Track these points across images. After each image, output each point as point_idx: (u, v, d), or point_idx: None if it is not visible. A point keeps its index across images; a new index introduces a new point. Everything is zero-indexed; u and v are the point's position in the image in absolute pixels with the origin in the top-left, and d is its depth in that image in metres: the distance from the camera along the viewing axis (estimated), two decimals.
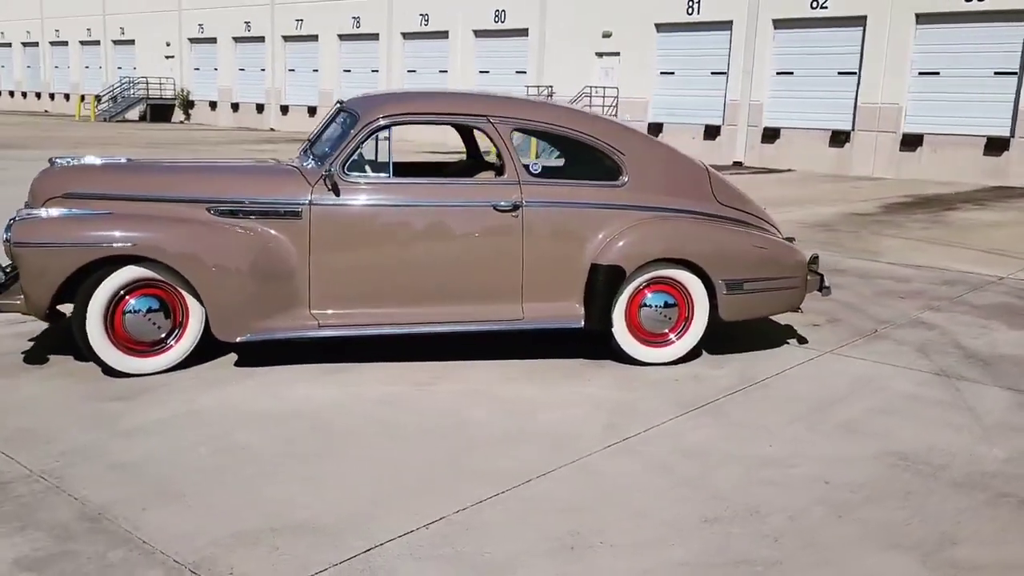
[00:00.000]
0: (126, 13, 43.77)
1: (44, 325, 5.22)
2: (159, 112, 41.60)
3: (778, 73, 24.40)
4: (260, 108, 38.31)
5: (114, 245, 4.46)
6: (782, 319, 6.43)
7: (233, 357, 5.00)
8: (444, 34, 31.81)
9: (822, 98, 23.43)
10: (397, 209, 4.85)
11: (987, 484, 3.72)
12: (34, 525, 3.04)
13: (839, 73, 23.23)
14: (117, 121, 39.27)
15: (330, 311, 4.81)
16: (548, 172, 5.18)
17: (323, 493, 3.38)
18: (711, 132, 25.59)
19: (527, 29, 29.36)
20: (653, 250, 5.04)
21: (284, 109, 37.38)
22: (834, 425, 4.37)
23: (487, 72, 30.91)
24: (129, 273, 4.53)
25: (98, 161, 5.18)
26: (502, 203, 4.90)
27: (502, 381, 4.83)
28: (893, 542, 3.18)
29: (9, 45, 51.64)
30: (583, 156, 5.20)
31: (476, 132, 5.17)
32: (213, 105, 40.33)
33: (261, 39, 37.87)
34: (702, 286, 5.17)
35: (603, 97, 27.07)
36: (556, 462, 3.76)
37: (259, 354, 4.99)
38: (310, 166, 4.91)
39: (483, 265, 4.94)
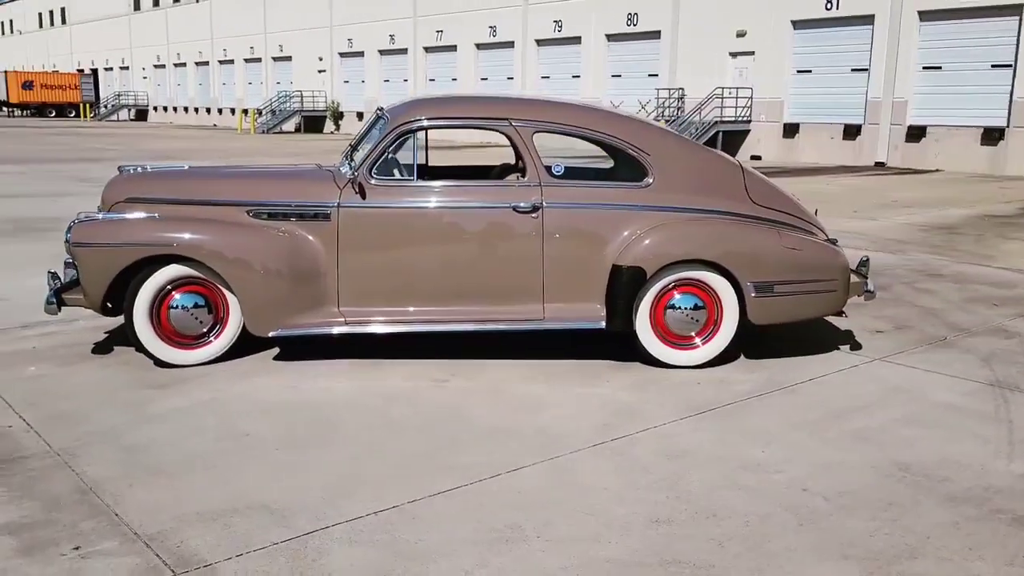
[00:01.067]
0: (284, 31, 46.41)
1: (120, 320, 5.72)
2: (312, 123, 43.87)
3: (924, 68, 23.11)
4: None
5: (156, 245, 4.85)
6: (842, 324, 6.19)
7: (275, 351, 5.31)
8: (577, 39, 31.99)
9: (973, 93, 22.03)
10: (420, 211, 5.02)
11: (986, 499, 3.49)
12: (32, 496, 3.39)
13: (992, 66, 21.77)
14: (274, 133, 41.69)
15: (356, 309, 5.04)
16: (571, 174, 5.22)
17: (296, 478, 3.58)
18: (851, 132, 24.54)
19: (659, 31, 29.10)
20: (675, 251, 4.98)
21: None
22: (844, 432, 4.19)
23: (619, 76, 30.87)
24: (172, 272, 4.91)
25: (160, 168, 5.63)
26: (522, 204, 4.98)
27: (517, 380, 4.91)
28: (846, 553, 3.06)
29: (184, 65, 55.75)
30: (609, 157, 5.21)
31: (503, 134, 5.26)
32: (360, 116, 42.02)
33: (404, 51, 39.27)
34: (731, 288, 5.06)
35: (736, 98, 26.49)
36: (532, 459, 3.81)
37: (299, 350, 5.28)
38: (344, 170, 5.15)
39: (504, 266, 5.03)
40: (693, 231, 5.05)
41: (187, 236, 4.90)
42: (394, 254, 5.03)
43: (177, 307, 4.97)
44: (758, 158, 26.21)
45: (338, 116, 43.13)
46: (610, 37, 31.03)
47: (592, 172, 5.44)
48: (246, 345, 5.17)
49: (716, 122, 26.07)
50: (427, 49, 38.43)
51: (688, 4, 28.16)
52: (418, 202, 5.02)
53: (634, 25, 30.02)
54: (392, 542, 3.07)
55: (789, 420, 4.35)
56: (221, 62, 52.29)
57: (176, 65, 56.56)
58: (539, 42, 33.65)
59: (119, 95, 61.05)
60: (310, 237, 5.02)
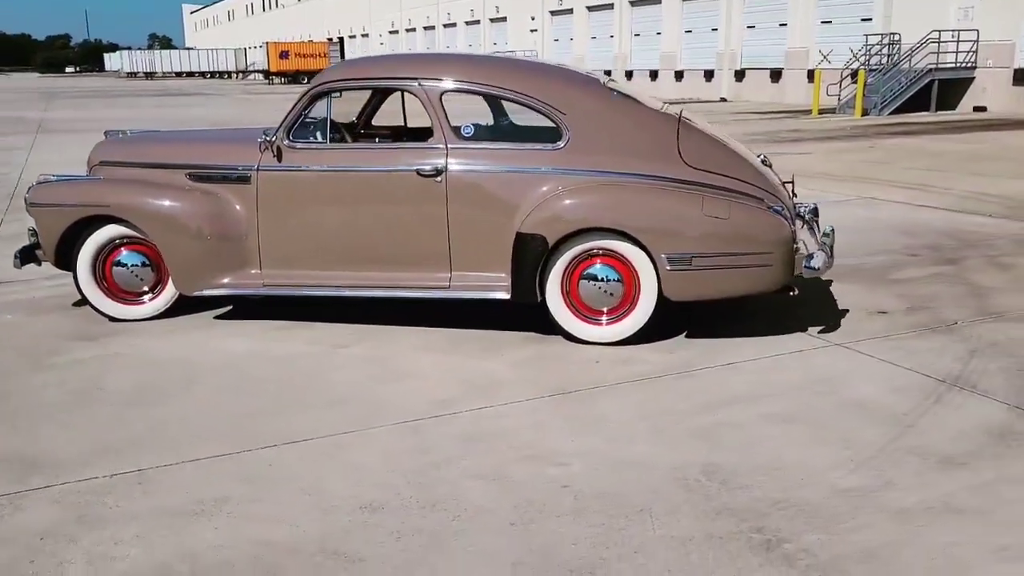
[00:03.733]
0: None
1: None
2: None
3: None
4: (608, 75, 39.13)
5: (93, 206, 5.18)
6: (846, 301, 5.51)
7: (224, 310, 5.52)
8: None
9: None
10: (329, 174, 4.97)
11: (762, 515, 2.97)
12: None
13: None
14: None
15: (275, 271, 5.11)
16: (483, 135, 4.94)
17: (88, 434, 3.72)
18: None
19: None
20: (577, 218, 4.60)
21: (629, 75, 37.85)
22: (690, 426, 3.71)
23: (829, 22, 28.56)
24: (110, 231, 5.23)
25: (136, 134, 5.98)
26: (426, 168, 4.80)
27: (413, 349, 4.78)
28: (520, 560, 2.73)
29: (414, 31, 58.34)
30: (508, 116, 4.88)
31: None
32: None
33: (611, 6, 38.60)
34: (648, 260, 4.61)
35: (956, 41, 23.64)
36: (332, 431, 3.71)
37: (250, 310, 5.44)
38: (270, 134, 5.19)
39: (410, 231, 4.88)
40: (598, 197, 4.63)
41: (120, 198, 5.18)
42: (306, 217, 5.03)
43: (120, 264, 5.30)
44: (982, 109, 23.36)
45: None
46: None
47: (507, 133, 5.11)
48: (208, 303, 5.41)
49: (930, 69, 23.44)
50: (632, 3, 37.53)
51: None
52: (327, 165, 4.98)
53: None
54: (85, 504, 3.10)
55: (645, 409, 3.92)
56: (445, 26, 54.17)
57: (407, 31, 59.30)
58: None
59: None
60: (234, 200, 5.14)
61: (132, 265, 5.30)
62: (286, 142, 5.02)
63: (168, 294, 5.34)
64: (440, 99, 4.85)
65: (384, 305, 5.29)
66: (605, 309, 4.75)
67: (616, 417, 3.85)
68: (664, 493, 3.16)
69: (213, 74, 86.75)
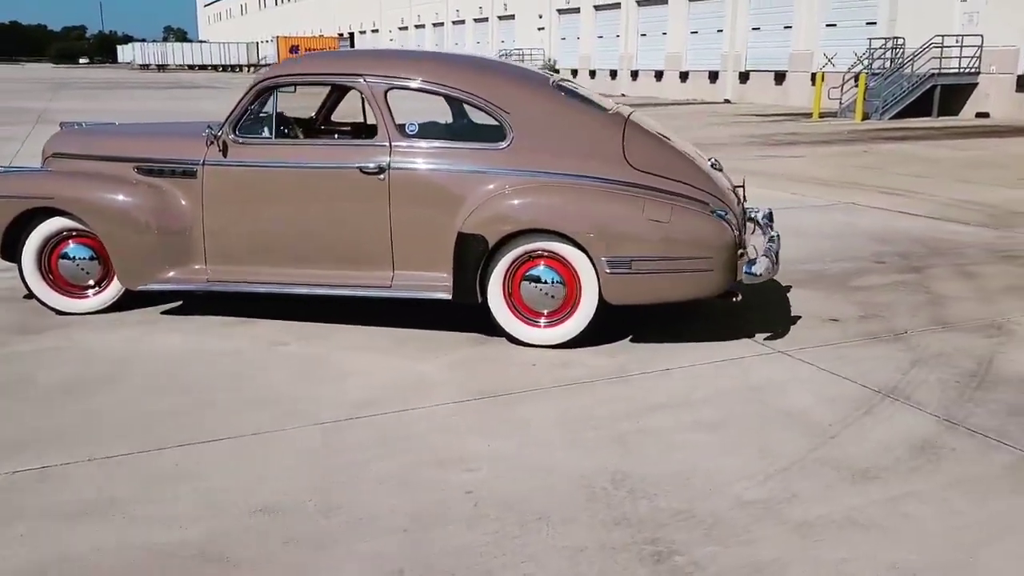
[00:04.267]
0: None
1: None
2: None
3: None
4: (613, 74, 39.13)
5: (37, 198, 5.15)
6: (801, 308, 5.46)
7: (172, 305, 5.49)
8: None
9: None
10: (273, 170, 4.93)
11: (660, 526, 2.92)
12: None
13: None
14: None
15: (219, 267, 5.07)
16: (428, 133, 4.88)
17: (4, 427, 3.70)
18: None
19: None
20: (517, 219, 4.55)
21: (634, 75, 37.78)
22: (609, 433, 3.66)
23: (834, 25, 28.36)
24: (55, 224, 5.20)
25: (90, 126, 5.95)
26: (369, 165, 4.75)
27: (350, 348, 4.74)
28: (380, 565, 2.69)
29: (423, 27, 58.30)
30: (467, 115, 4.83)
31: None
32: (575, 73, 41.90)
33: (617, 5, 38.50)
34: (589, 263, 4.55)
35: (960, 46, 23.44)
36: (247, 430, 3.67)
37: (204, 305, 5.40)
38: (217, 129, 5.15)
39: (353, 229, 4.84)
40: (538, 198, 4.57)
41: (64, 190, 5.16)
42: (250, 213, 4.99)
43: (66, 257, 5.27)
44: (985, 115, 23.16)
45: (554, 73, 43.19)
46: None
47: (454, 131, 5.06)
48: (158, 298, 5.38)
49: (932, 74, 23.24)
50: (639, 3, 37.38)
51: None
52: (271, 161, 4.93)
53: None
54: None
55: (569, 414, 3.87)
56: (454, 23, 54.10)
57: (416, 27, 59.27)
58: None
59: None
60: (180, 194, 5.10)
61: (78, 258, 5.27)
62: (231, 136, 4.98)
63: (114, 288, 5.30)
64: (385, 96, 4.80)
65: (333, 302, 5.24)
66: (545, 311, 4.70)
67: (538, 422, 3.80)
68: (567, 501, 3.10)
69: (225, 67, 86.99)
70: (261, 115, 5.05)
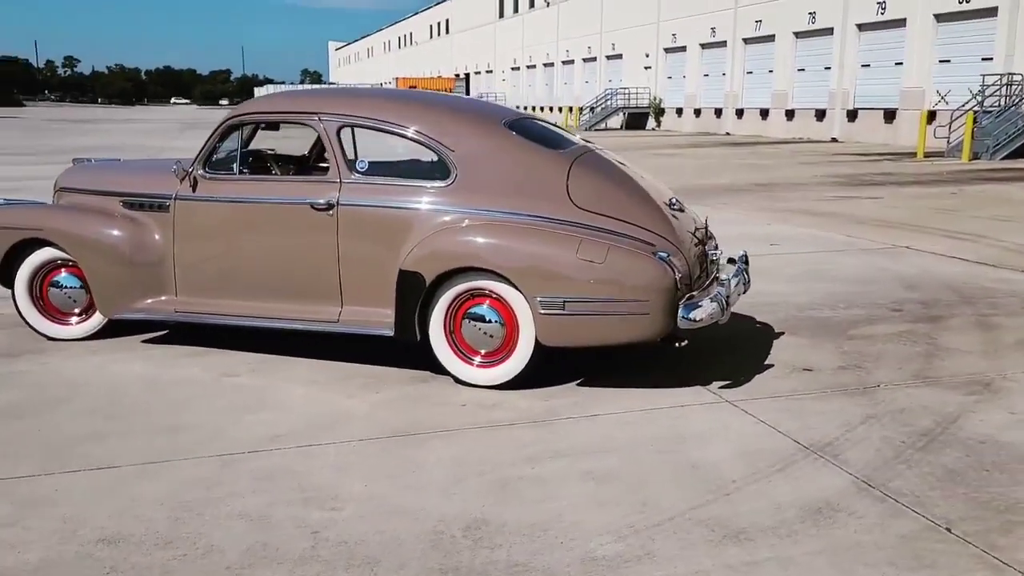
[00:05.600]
0: (617, 30, 47.32)
1: None
2: (635, 120, 44.26)
3: None
4: (719, 113, 38.58)
5: (27, 229, 5.45)
6: (778, 357, 5.15)
7: (158, 333, 5.69)
8: (901, 22, 28.75)
9: None
10: (235, 205, 5.05)
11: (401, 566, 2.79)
12: None
13: None
14: (596, 130, 42.73)
15: (186, 299, 5.22)
16: (377, 170, 4.91)
17: None
18: None
19: (995, 8, 25.09)
20: (451, 257, 4.50)
21: (739, 113, 37.12)
22: (495, 479, 3.53)
23: (947, 61, 27.22)
24: (45, 254, 5.48)
25: (97, 162, 6.27)
26: (319, 201, 4.81)
27: (291, 382, 4.76)
28: None
29: (534, 67, 59.17)
30: (420, 153, 4.84)
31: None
32: (679, 112, 41.63)
33: (723, 43, 38.06)
34: (525, 303, 4.46)
35: None
36: (144, 458, 3.73)
37: (188, 335, 5.57)
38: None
39: (303, 264, 4.90)
40: (472, 236, 4.51)
41: (52, 222, 5.44)
42: (213, 247, 5.13)
43: (56, 285, 5.55)
44: None
45: (659, 112, 43.01)
46: (939, 17, 27.38)
47: (404, 169, 5.05)
48: (151, 327, 5.60)
49: None
50: (746, 40, 36.83)
51: None
52: (232, 196, 5.06)
53: (967, 2, 26.20)
54: None
55: (469, 457, 3.76)
56: (564, 63, 54.66)
57: (527, 67, 60.18)
58: (860, 27, 30.69)
59: (481, 96, 66.44)
60: (155, 227, 5.30)
61: (66, 286, 5.53)
62: (200, 172, 5.15)
63: (98, 317, 5.53)
64: (337, 133, 4.87)
65: (305, 335, 5.28)
66: (483, 351, 4.62)
67: (431, 464, 3.71)
68: (407, 547, 3.01)
69: None
70: (227, 152, 5.21)
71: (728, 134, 36.88)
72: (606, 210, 4.58)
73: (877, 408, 4.33)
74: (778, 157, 23.81)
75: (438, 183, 4.69)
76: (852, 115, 31.17)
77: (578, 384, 4.71)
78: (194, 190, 5.15)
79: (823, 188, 15.36)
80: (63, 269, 5.55)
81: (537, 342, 4.48)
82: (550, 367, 4.67)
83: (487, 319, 4.57)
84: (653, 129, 42.89)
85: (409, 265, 4.58)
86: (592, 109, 44.39)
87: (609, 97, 44.13)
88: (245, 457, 3.78)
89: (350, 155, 5.16)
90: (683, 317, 4.33)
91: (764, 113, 35.53)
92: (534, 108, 58.94)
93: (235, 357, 5.20)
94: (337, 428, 4.12)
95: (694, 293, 4.54)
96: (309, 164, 6.06)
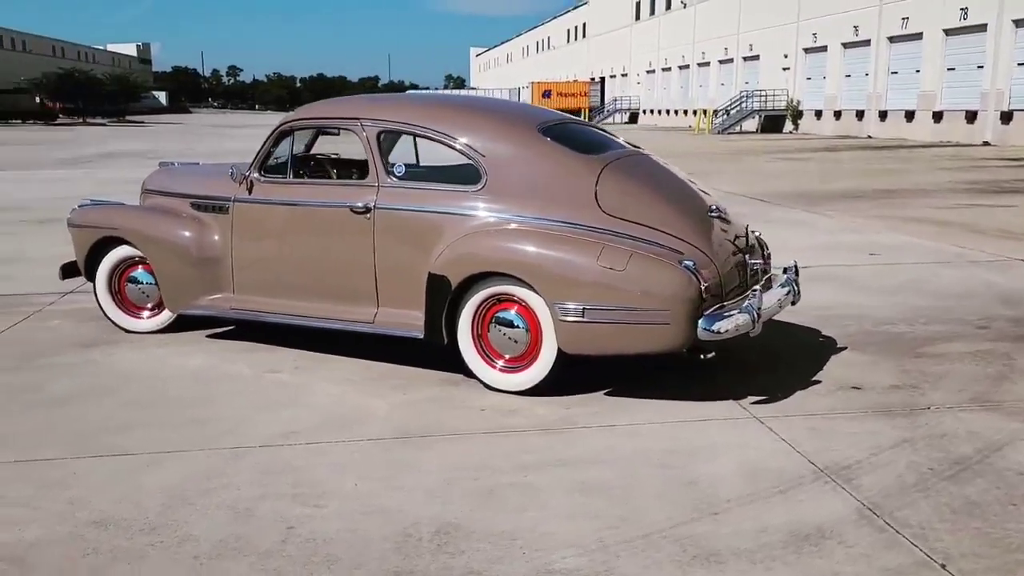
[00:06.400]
0: (754, 30, 46.05)
1: None
2: (772, 123, 42.95)
3: None
4: (860, 115, 36.91)
5: (106, 228, 5.83)
6: (831, 373, 4.91)
7: (221, 329, 5.96)
8: None
9: None
10: (285, 207, 5.23)
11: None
12: None
13: None
14: (729, 133, 41.74)
15: (242, 296, 5.45)
16: (414, 175, 4.96)
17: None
18: None
19: None
20: (475, 261, 4.51)
21: (882, 115, 35.40)
22: (484, 485, 3.51)
23: None
24: (122, 252, 5.84)
25: (178, 165, 6.62)
26: (358, 204, 4.92)
27: (328, 380, 4.88)
28: None
29: (669, 70, 58.33)
30: (447, 159, 4.87)
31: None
32: (818, 114, 40.10)
33: (867, 43, 36.39)
34: (547, 309, 4.41)
35: None
36: (162, 448, 3.92)
37: (252, 332, 5.80)
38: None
39: (343, 266, 5.02)
40: (497, 241, 4.50)
41: (126, 222, 5.80)
42: (265, 247, 5.33)
43: (133, 281, 5.91)
44: None
45: (797, 115, 41.53)
46: None
47: (439, 173, 5.07)
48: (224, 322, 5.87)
49: None
50: (891, 39, 35.05)
51: None
52: (282, 199, 5.25)
53: None
54: None
55: (467, 461, 3.76)
56: (699, 64, 53.60)
57: (663, 70, 59.35)
58: (1016, 23, 28.65)
59: (615, 100, 66.03)
60: (216, 228, 5.56)
61: (142, 282, 5.89)
62: (255, 175, 5.37)
63: (168, 312, 5.85)
64: (377, 138, 4.97)
65: (355, 335, 5.37)
66: (507, 356, 4.60)
67: (429, 467, 3.73)
68: (371, 548, 3.04)
69: None
70: (281, 156, 5.40)
71: (870, 137, 35.20)
72: (636, 217, 4.47)
73: (916, 432, 4.04)
74: (916, 161, 22.55)
75: (470, 187, 4.71)
76: (1007, 117, 29.14)
77: (606, 393, 4.62)
78: (250, 193, 5.37)
79: (954, 195, 14.45)
80: (139, 266, 5.90)
81: (561, 350, 4.42)
82: (580, 374, 4.61)
83: (513, 324, 4.56)
84: (790, 132, 41.46)
85: (437, 268, 4.62)
86: (727, 112, 43.31)
87: (744, 99, 42.95)
88: (254, 451, 3.91)
89: (403, 160, 5.23)
90: (704, 328, 4.17)
91: (909, 115, 33.71)
92: (668, 112, 58.11)
93: (285, 354, 5.39)
94: (353, 427, 4.20)
95: (724, 304, 4.37)
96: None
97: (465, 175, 4.81)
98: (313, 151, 6.02)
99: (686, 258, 4.31)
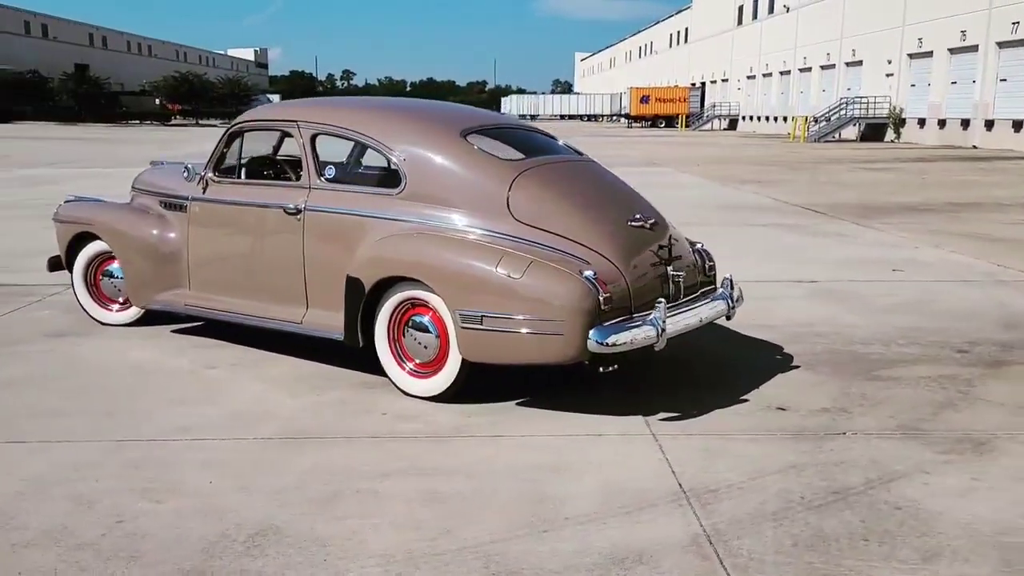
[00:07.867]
0: (858, 35, 44.46)
1: None
2: (873, 131, 41.40)
3: None
4: (965, 124, 35.11)
5: (81, 224, 6.06)
6: (767, 393, 4.69)
7: (188, 325, 6.12)
8: None
9: None
10: (229, 207, 5.34)
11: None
12: None
13: None
14: (827, 141, 40.39)
15: (196, 293, 5.58)
16: (343, 177, 4.97)
17: None
18: None
19: None
20: (383, 265, 4.49)
21: (989, 125, 33.56)
22: (330, 490, 3.49)
23: None
24: (97, 246, 6.07)
25: (167, 164, 6.82)
26: (289, 206, 4.98)
27: (257, 379, 4.93)
28: None
29: (770, 75, 56.87)
30: (373, 161, 4.86)
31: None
32: (922, 123, 38.39)
33: (975, 48, 34.59)
34: (450, 315, 4.35)
35: None
36: (35, 437, 4.04)
37: (216, 328, 5.93)
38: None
39: (277, 266, 5.06)
40: (404, 245, 4.47)
41: (98, 218, 6.02)
42: (214, 245, 5.44)
43: (107, 275, 6.14)
44: None
45: (899, 123, 39.80)
46: None
47: (365, 176, 5.04)
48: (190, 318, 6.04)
49: None
50: (1000, 44, 33.21)
51: None
52: (227, 198, 5.35)
53: None
54: None
55: (332, 466, 3.74)
56: (800, 70, 52.04)
57: (764, 76, 57.89)
58: None
59: (715, 106, 64.79)
60: (176, 226, 5.71)
61: (117, 277, 6.10)
62: (210, 175, 5.49)
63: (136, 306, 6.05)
64: (312, 141, 5.00)
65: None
66: (417, 360, 4.56)
67: (294, 469, 3.72)
68: (182, 546, 3.05)
69: (590, 117, 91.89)
70: (233, 157, 5.51)
71: (975, 147, 33.43)
72: (547, 225, 4.37)
73: (815, 457, 3.80)
74: (1008, 174, 21.31)
75: (392, 191, 4.70)
76: None
77: (518, 403, 4.52)
78: (204, 192, 5.50)
79: (1002, 211, 13.56)
80: (115, 260, 6.11)
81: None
82: (510, 381, 4.54)
83: (427, 329, 4.51)
84: (892, 141, 39.78)
85: (353, 271, 4.63)
86: (827, 119, 41.87)
87: (844, 107, 41.45)
88: (139, 444, 3.99)
89: (344, 162, 5.27)
90: (596, 341, 4.02)
91: (1017, 125, 31.86)
92: (768, 119, 56.65)
93: (232, 351, 5.48)
94: (252, 426, 4.24)
95: (633, 316, 4.22)
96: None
97: (389, 178, 4.80)
98: (281, 153, 6.11)
99: (588, 268, 4.18)
